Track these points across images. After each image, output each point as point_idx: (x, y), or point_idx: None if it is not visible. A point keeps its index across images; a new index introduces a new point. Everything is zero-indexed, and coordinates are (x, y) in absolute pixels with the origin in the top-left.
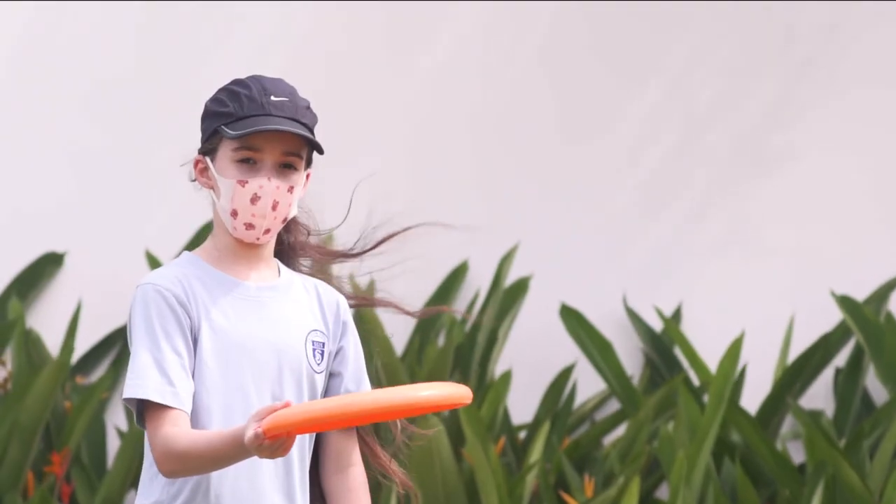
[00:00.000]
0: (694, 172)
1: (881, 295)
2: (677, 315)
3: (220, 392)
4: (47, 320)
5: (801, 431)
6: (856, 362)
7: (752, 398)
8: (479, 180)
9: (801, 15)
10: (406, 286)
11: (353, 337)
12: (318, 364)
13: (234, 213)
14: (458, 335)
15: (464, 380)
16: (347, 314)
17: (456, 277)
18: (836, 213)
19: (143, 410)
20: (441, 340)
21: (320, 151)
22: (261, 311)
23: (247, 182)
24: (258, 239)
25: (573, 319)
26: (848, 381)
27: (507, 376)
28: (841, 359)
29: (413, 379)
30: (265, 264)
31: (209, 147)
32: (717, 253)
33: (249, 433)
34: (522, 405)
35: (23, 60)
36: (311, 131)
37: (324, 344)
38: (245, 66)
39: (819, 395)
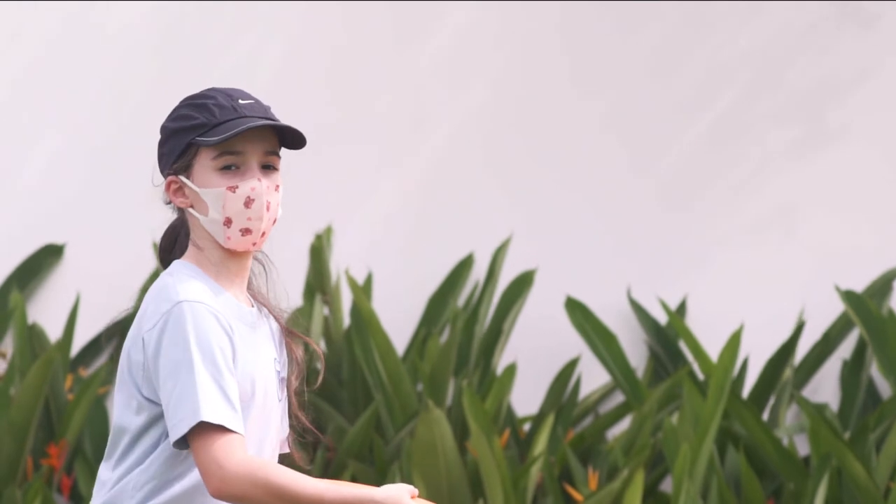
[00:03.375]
0: (698, 167)
1: (882, 287)
2: (682, 308)
3: None
4: (47, 312)
5: (805, 424)
6: (860, 355)
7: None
8: (485, 172)
9: (803, 12)
10: (411, 279)
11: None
12: (281, 392)
13: (228, 222)
14: (461, 329)
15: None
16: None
17: (461, 270)
18: (840, 207)
19: (193, 430)
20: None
21: (303, 144)
22: (256, 337)
23: (237, 187)
24: (254, 244)
25: (578, 312)
26: (852, 374)
27: (511, 369)
28: (847, 351)
29: (417, 375)
30: (244, 284)
31: (182, 164)
32: (721, 246)
33: None
34: (527, 397)
35: (23, 57)
36: None
37: (280, 373)
38: (248, 62)
39: (825, 389)
